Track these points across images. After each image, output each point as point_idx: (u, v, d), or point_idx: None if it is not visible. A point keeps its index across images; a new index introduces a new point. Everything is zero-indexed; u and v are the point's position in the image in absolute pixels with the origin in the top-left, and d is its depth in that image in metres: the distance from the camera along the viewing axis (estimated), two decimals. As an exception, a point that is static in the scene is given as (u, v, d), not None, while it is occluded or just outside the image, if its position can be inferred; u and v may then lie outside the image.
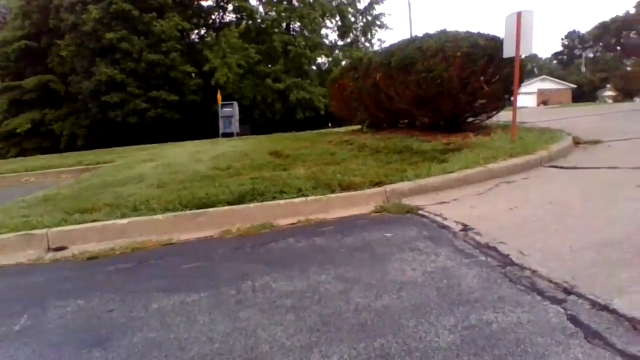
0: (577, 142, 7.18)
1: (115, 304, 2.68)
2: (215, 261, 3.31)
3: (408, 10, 37.16)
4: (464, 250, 3.08)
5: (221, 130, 21.17)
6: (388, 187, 4.96)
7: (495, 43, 7.59)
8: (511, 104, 8.97)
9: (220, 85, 28.79)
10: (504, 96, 8.35)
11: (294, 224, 4.27)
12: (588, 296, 2.27)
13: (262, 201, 4.76)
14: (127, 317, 2.50)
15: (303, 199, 4.76)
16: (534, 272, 2.63)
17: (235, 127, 21.20)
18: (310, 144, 9.44)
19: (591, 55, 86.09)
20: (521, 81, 7.26)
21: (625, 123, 10.35)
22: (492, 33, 8.00)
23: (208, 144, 13.77)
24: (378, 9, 37.58)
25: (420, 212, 4.26)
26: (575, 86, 60.44)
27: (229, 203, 4.74)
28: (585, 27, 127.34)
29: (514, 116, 6.81)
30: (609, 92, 63.74)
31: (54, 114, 33.11)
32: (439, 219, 3.97)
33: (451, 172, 5.33)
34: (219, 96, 23.05)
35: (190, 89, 31.29)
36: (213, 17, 37.24)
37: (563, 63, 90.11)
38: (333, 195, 4.84)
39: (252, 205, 4.66)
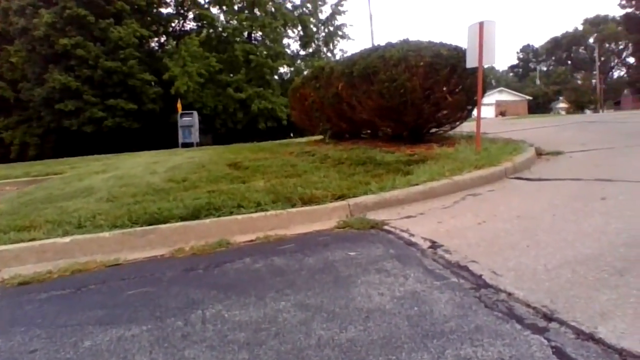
0: (539, 153, 7.16)
1: (40, 342, 2.32)
2: (164, 286, 2.98)
3: (369, 21, 37.31)
4: (434, 270, 2.87)
5: (180, 140, 20.63)
6: (351, 201, 4.73)
7: (458, 53, 7.53)
8: (472, 115, 9.00)
9: (180, 94, 28.23)
10: (467, 107, 8.30)
11: (252, 241, 3.98)
12: (571, 323, 2.08)
13: (218, 216, 4.46)
14: (52, 358, 2.16)
15: (262, 213, 4.48)
16: (509, 294, 2.44)
17: (195, 136, 20.69)
18: (271, 154, 9.14)
19: (545, 68, 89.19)
20: (484, 92, 7.20)
21: (582, 134, 10.51)
22: (454, 44, 7.95)
23: (166, 154, 13.28)
24: (340, 20, 37.89)
25: (386, 227, 4.05)
26: (530, 98, 62.39)
27: (183, 219, 4.41)
28: (539, 41, 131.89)
29: (478, 127, 6.73)
30: (562, 104, 66.04)
31: (3, 122, 31.71)
32: (405, 235, 3.76)
33: (416, 184, 5.15)
34: (179, 105, 22.52)
35: (150, 97, 30.54)
36: (173, 24, 36.65)
37: (519, 75, 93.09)
38: (294, 209, 4.58)
39: (207, 221, 4.35)
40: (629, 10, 53.88)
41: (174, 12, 36.32)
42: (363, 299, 2.49)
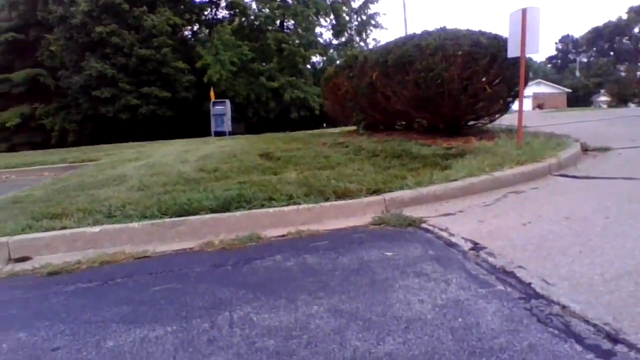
0: (585, 149, 6.79)
1: (63, 340, 2.22)
2: (191, 282, 2.85)
3: (403, 10, 36.80)
4: (477, 276, 2.65)
5: (213, 129, 20.62)
6: (387, 196, 4.52)
7: (498, 42, 7.19)
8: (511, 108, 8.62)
9: (213, 83, 28.28)
10: (507, 99, 7.95)
11: (283, 235, 3.83)
12: (640, 346, 1.85)
13: (249, 209, 4.31)
14: (74, 359, 2.05)
15: (294, 207, 4.32)
16: (564, 308, 2.21)
17: (227, 125, 20.65)
18: (303, 145, 8.97)
19: (585, 60, 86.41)
20: (526, 83, 6.85)
21: (630, 129, 9.99)
22: (493, 32, 7.60)
23: (198, 143, 13.29)
24: (373, 8, 37.18)
25: (424, 225, 3.83)
26: (569, 90, 60.47)
27: (213, 210, 4.28)
28: (578, 31, 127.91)
29: (520, 119, 6.39)
30: (603, 97, 63.83)
31: (44, 109, 32.43)
32: (445, 234, 3.54)
33: (455, 179, 4.91)
34: (211, 93, 22.53)
35: (183, 85, 30.70)
36: (206, 13, 36.66)
37: (557, 67, 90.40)
38: (327, 203, 4.40)
39: (238, 213, 4.21)
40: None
41: (207, 0, 36.37)
42: (402, 306, 2.30)
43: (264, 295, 2.56)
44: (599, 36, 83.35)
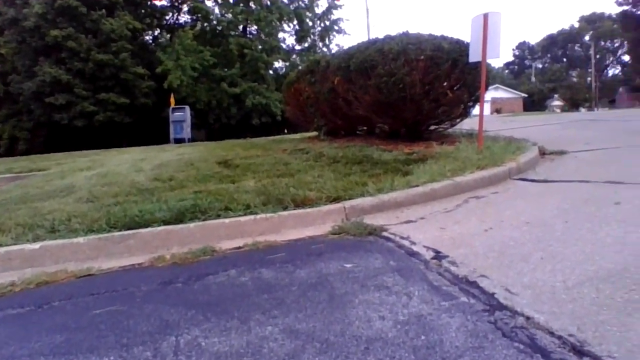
0: (542, 152, 6.86)
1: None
2: (136, 303, 2.65)
3: (366, 15, 37.00)
4: (440, 287, 2.55)
5: (172, 136, 20.17)
6: (347, 204, 4.41)
7: (460, 47, 7.21)
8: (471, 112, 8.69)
9: (173, 89, 27.80)
10: (468, 103, 7.99)
11: (239, 248, 3.66)
12: None
13: (204, 220, 4.12)
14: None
15: (251, 217, 4.15)
16: (529, 319, 2.13)
17: (187, 132, 20.24)
18: (263, 152, 8.79)
19: (540, 65, 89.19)
20: (486, 88, 6.89)
21: (584, 132, 10.24)
22: (455, 37, 7.63)
23: (155, 150, 12.91)
24: (336, 14, 37.52)
25: (385, 233, 3.73)
26: (526, 95, 62.22)
27: (166, 222, 4.06)
28: (534, 38, 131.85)
29: (481, 124, 6.41)
30: (557, 102, 66.00)
31: (-8, 116, 31.15)
32: (406, 243, 3.44)
33: (416, 185, 4.83)
34: (172, 99, 22.09)
35: (142, 91, 30.08)
36: (167, 17, 36.17)
37: (514, 73, 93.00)
38: (285, 212, 4.25)
39: (192, 225, 4.01)
40: (625, 7, 53.63)
41: (168, 4, 35.84)
42: (362, 324, 2.17)
43: (214, 315, 2.38)
44: (553, 43, 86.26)
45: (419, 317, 2.20)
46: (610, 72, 79.93)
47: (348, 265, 2.98)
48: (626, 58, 70.98)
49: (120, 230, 3.91)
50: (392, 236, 3.64)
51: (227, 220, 4.09)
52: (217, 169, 6.84)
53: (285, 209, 4.33)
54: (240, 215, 4.19)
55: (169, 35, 34.36)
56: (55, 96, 27.20)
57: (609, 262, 2.74)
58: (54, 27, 26.76)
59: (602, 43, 76.22)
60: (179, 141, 19.52)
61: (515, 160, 5.81)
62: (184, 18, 36.72)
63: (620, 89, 61.47)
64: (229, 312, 2.41)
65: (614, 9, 57.47)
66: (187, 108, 21.36)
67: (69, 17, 27.40)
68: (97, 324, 2.39)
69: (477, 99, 7.83)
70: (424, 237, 3.55)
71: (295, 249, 3.50)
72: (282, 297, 2.56)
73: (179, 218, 4.15)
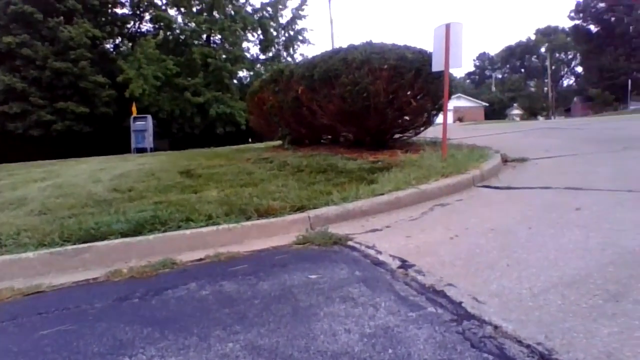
0: (505, 159, 6.96)
1: None
2: (89, 321, 2.49)
3: (330, 25, 37.23)
4: (407, 297, 2.49)
5: (133, 145, 19.72)
6: (312, 213, 4.33)
7: (423, 56, 7.27)
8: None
9: (135, 98, 27.19)
10: (431, 112, 8.06)
11: (200, 260, 3.52)
12: (574, 368, 1.75)
13: (164, 231, 3.98)
14: None
15: (213, 228, 4.02)
16: (496, 328, 2.09)
17: (149, 142, 19.83)
18: (227, 161, 8.63)
19: (500, 76, 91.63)
20: (449, 97, 6.95)
21: (543, 140, 10.49)
22: (419, 47, 7.69)
23: (116, 160, 12.54)
24: (300, 24, 37.38)
25: (350, 243, 3.66)
26: (487, 104, 63.72)
27: (124, 234, 3.90)
28: (494, 49, 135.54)
29: (445, 132, 6.46)
30: (516, 111, 67.89)
31: (-58, 125, 29.74)
32: (372, 252, 3.38)
33: (381, 194, 4.80)
34: (133, 109, 21.65)
35: (103, 100, 29.29)
36: (128, 26, 35.42)
37: (475, 82, 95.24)
38: (248, 223, 4.14)
39: (151, 237, 3.86)
40: (577, 22, 55.96)
41: (130, 12, 35.14)
42: (327, 338, 2.08)
43: (172, 333, 2.25)
44: (511, 54, 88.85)
45: (386, 330, 2.13)
46: (565, 82, 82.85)
47: (313, 276, 2.90)
48: (579, 69, 73.77)
49: (74, 244, 3.72)
50: (357, 245, 3.58)
51: (188, 232, 3.96)
52: (179, 179, 6.66)
53: (248, 219, 4.23)
54: (202, 226, 4.06)
55: (130, 44, 33.65)
56: (9, 104, 26.15)
57: (573, 268, 2.75)
58: (7, 34, 25.79)
59: (557, 55, 78.90)
60: (141, 151, 19.10)
61: (478, 168, 5.86)
62: (146, 27, 36.08)
63: (575, 99, 63.71)
64: (188, 328, 2.29)
65: (567, 23, 59.82)
66: (150, 117, 20.95)
67: (23, 23, 26.46)
68: (42, 347, 2.22)
69: (441, 108, 7.90)
70: (389, 246, 3.50)
71: (258, 260, 3.40)
72: (244, 311, 2.45)
73: (137, 230, 4.00)
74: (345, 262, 3.16)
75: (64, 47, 27.03)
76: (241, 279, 2.97)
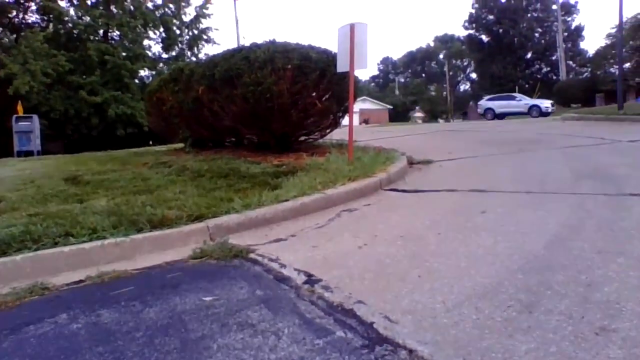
0: (410, 162, 6.96)
1: None
2: None
3: (235, 25, 36.38)
4: (313, 320, 2.22)
5: (16, 148, 17.84)
6: (211, 222, 3.96)
7: (328, 57, 7.12)
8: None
9: (21, 96, 24.82)
10: (337, 113, 7.93)
11: (79, 282, 3.04)
12: (497, 399, 1.57)
13: (36, 250, 3.42)
14: None
15: (98, 243, 3.54)
16: (411, 352, 1.88)
17: (35, 144, 18.08)
18: (121, 166, 7.94)
19: (402, 80, 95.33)
20: (355, 98, 6.84)
21: (445, 142, 10.79)
22: (323, 47, 7.52)
23: (-7, 165, 11.23)
24: (205, 23, 36.25)
25: (252, 255, 3.34)
26: (391, 107, 65.88)
27: (-16, 255, 3.31)
28: (396, 54, 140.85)
29: (350, 135, 6.31)
30: (418, 113, 70.94)
31: None
32: (275, 265, 3.09)
33: (286, 200, 4.52)
34: (19, 107, 19.68)
35: (-19, 98, 26.48)
36: (11, 15, 32.29)
37: (380, 86, 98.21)
38: (140, 236, 3.70)
39: (19, 257, 3.30)
40: (470, 31, 59.57)
41: (12, 1, 32.06)
42: (219, 380, 1.76)
43: (25, 384, 1.82)
44: (413, 60, 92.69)
45: (289, 364, 1.85)
46: (462, 87, 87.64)
47: (208, 299, 2.55)
48: (474, 75, 78.42)
49: None
50: (260, 258, 3.27)
51: (66, 249, 3.45)
52: (62, 187, 5.94)
53: (140, 231, 3.78)
54: (84, 242, 3.56)
55: (14, 36, 30.77)
56: None
57: (484, 276, 2.64)
58: None
59: (454, 61, 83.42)
60: (25, 154, 17.36)
61: (385, 171, 5.78)
62: (33, 18, 33.14)
63: (471, 103, 67.56)
64: (46, 378, 1.86)
65: (462, 32, 63.48)
66: (36, 117, 19.10)
67: None
68: None
69: (346, 110, 7.80)
70: (294, 257, 3.23)
71: (147, 280, 2.98)
72: (122, 348, 2.05)
73: (2, 249, 3.41)
74: (246, 279, 2.84)
75: None
76: (124, 305, 2.55)
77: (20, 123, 18.26)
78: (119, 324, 2.32)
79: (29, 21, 32.60)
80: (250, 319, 2.26)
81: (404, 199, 5.02)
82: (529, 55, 56.72)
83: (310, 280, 2.78)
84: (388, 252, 3.20)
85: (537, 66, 57.58)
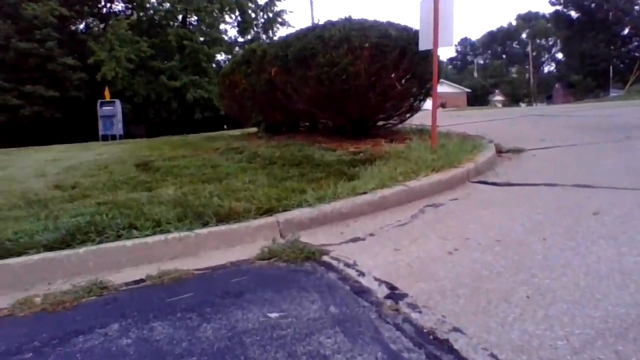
0: (499, 150, 6.28)
1: None
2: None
3: (310, 6, 36.14)
4: (400, 354, 1.79)
5: (101, 132, 18.58)
6: (281, 217, 3.62)
7: (408, 34, 6.55)
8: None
9: (108, 81, 25.98)
10: (418, 96, 7.35)
11: (139, 282, 2.80)
12: None
13: (99, 243, 3.22)
14: None
15: (161, 237, 3.29)
16: (534, 416, 1.41)
17: (117, 128, 18.73)
18: (192, 151, 7.81)
19: (482, 61, 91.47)
20: (438, 79, 6.24)
21: (535, 128, 9.87)
22: (403, 24, 6.94)
23: (78, 149, 11.54)
24: (280, 6, 36.47)
25: (326, 258, 2.96)
26: (469, 90, 63.32)
27: (49, 247, 3.13)
28: (476, 35, 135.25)
29: (434, 120, 5.72)
30: (498, 97, 67.80)
31: None
32: (352, 272, 2.68)
33: (364, 192, 4.08)
34: (106, 93, 20.54)
35: (73, 84, 28.02)
36: (99, 5, 33.90)
37: (457, 68, 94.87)
38: (205, 230, 3.42)
39: (82, 250, 3.11)
40: (558, 7, 55.46)
41: (101, -9, 33.63)
42: None
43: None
44: (493, 40, 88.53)
45: (372, 423, 1.43)
46: (546, 69, 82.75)
47: (273, 315, 2.18)
48: (560, 56, 73.66)
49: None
50: (334, 262, 2.87)
51: (129, 243, 3.23)
52: (133, 173, 5.85)
53: (205, 225, 3.50)
54: (147, 235, 3.33)
55: (102, 25, 32.20)
56: (-31, 87, 24.80)
57: (616, 303, 2.08)
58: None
59: (538, 41, 78.70)
60: (108, 138, 18.03)
61: (473, 161, 5.19)
62: (118, 6, 34.62)
63: (557, 85, 63.56)
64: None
65: (547, 9, 59.32)
66: (118, 102, 19.81)
67: (-18, 0, 25.04)
68: None
69: (428, 92, 7.20)
70: (374, 263, 2.80)
71: (209, 285, 2.68)
72: (171, 378, 1.73)
73: (66, 241, 3.23)
74: (318, 291, 2.44)
75: (29, 26, 25.58)
76: (180, 317, 2.24)
77: (104, 108, 19.00)
78: (171, 342, 2.00)
79: (115, 10, 34.03)
80: (322, 348, 1.86)
81: (495, 194, 4.43)
82: (625, 31, 51.38)
83: (394, 294, 2.35)
84: (484, 261, 2.70)
85: (636, 43, 52.17)
